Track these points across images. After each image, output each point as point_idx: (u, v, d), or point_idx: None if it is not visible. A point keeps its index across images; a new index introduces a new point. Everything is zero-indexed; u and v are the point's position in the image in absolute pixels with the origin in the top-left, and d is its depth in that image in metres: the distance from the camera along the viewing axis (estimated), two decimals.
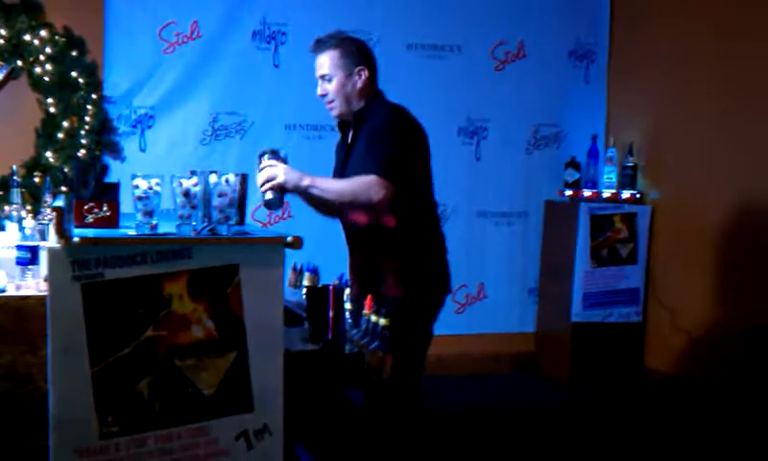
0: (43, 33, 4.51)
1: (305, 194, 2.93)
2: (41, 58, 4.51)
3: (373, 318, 2.85)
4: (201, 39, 4.91)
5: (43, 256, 3.12)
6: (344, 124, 3.18)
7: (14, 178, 3.83)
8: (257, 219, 4.52)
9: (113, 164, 4.69)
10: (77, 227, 2.50)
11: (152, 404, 2.40)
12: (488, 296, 5.66)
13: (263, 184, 2.84)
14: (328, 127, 5.02)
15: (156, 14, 4.83)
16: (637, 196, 5.39)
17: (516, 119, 5.60)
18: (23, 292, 3.12)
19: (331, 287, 2.88)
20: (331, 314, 2.84)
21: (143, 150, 4.87)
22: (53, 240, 2.45)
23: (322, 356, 2.80)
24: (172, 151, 4.89)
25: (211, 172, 2.61)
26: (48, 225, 3.32)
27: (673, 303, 5.15)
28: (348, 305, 2.99)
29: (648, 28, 5.43)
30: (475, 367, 5.54)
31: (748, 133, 4.64)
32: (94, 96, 4.61)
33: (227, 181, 2.55)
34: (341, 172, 3.15)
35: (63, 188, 4.17)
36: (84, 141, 4.57)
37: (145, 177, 2.51)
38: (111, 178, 2.86)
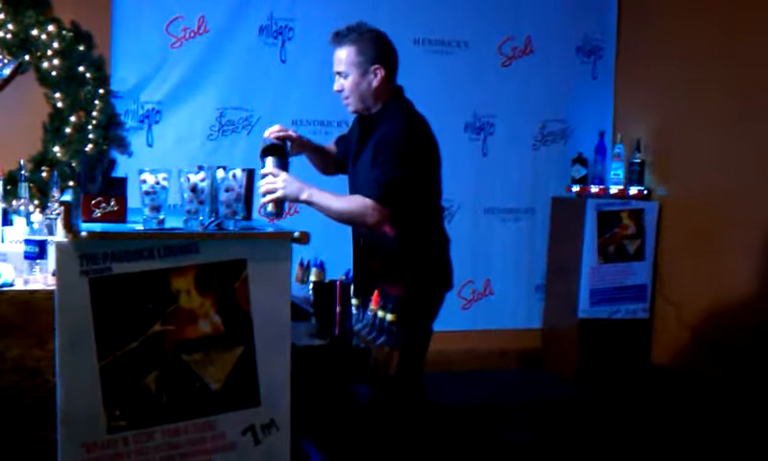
0: (51, 28, 4.52)
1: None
2: (49, 52, 4.52)
3: (380, 313, 2.85)
4: (208, 34, 4.91)
5: (51, 251, 3.13)
6: (362, 117, 3.13)
7: (22, 172, 3.83)
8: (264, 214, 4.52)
9: (121, 159, 4.69)
10: (84, 221, 2.51)
11: (159, 399, 2.40)
12: (494, 292, 5.66)
13: (264, 194, 2.86)
14: (335, 123, 5.03)
15: (163, 9, 4.83)
16: (645, 192, 5.37)
17: (524, 115, 5.58)
18: (31, 286, 3.13)
19: (338, 282, 2.88)
20: (338, 309, 2.84)
21: (150, 145, 4.87)
22: (61, 235, 2.46)
23: (328, 352, 2.80)
24: (179, 146, 4.90)
25: (218, 167, 2.62)
26: (56, 219, 3.33)
27: (680, 299, 5.14)
28: (354, 301, 3.00)
29: (656, 24, 5.41)
30: (482, 363, 5.53)
31: (755, 130, 4.62)
32: (101, 91, 4.62)
33: (234, 176, 2.55)
34: (351, 173, 3.15)
35: (71, 183, 4.18)
36: (91, 136, 4.57)
37: (152, 172, 2.51)
38: (119, 172, 2.86)
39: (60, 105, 4.56)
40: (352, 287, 3.00)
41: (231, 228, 2.52)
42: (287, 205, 3.08)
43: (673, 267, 5.23)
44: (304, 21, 5.06)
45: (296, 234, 2.50)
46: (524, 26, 5.54)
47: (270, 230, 2.62)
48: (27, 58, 4.54)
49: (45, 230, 3.35)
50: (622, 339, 5.30)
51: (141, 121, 4.85)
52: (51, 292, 2.68)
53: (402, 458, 3.10)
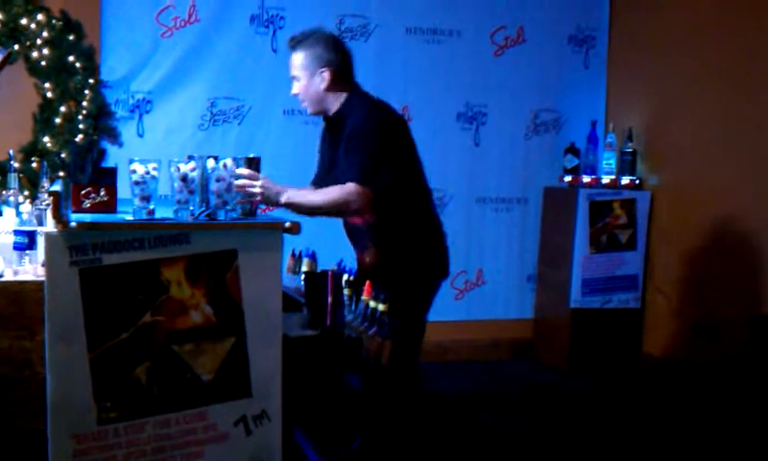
0: (40, 17, 4.48)
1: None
2: (38, 42, 4.49)
3: (372, 304, 2.85)
4: (199, 23, 4.88)
5: (41, 242, 3.11)
6: (328, 119, 3.20)
7: (12, 163, 3.82)
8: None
9: (111, 149, 4.67)
10: (74, 212, 2.49)
11: (150, 390, 2.40)
12: (486, 282, 5.66)
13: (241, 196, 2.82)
14: None
15: None
16: (637, 182, 5.37)
17: (516, 105, 5.58)
18: (20, 277, 3.11)
19: (330, 273, 2.87)
20: (330, 300, 2.83)
21: (141, 135, 4.85)
22: (50, 225, 2.45)
23: (320, 342, 2.80)
24: (170, 136, 4.87)
25: (209, 157, 2.60)
26: (45, 210, 3.31)
27: (672, 289, 5.15)
28: (346, 291, 2.99)
29: (648, 13, 5.41)
30: (474, 353, 5.54)
31: (748, 119, 4.62)
32: (91, 81, 4.59)
33: (224, 166, 2.54)
34: (329, 172, 3.16)
35: (61, 173, 4.16)
36: (81, 126, 4.55)
37: (142, 161, 2.49)
38: (109, 163, 2.85)
39: (49, 95, 4.53)
40: (345, 277, 3.01)
41: (222, 218, 2.50)
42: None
43: (665, 257, 5.24)
44: (295, 10, 5.03)
45: (287, 224, 2.50)
46: (516, 15, 5.53)
47: (261, 220, 2.60)
48: (16, 47, 4.51)
49: (35, 221, 3.33)
50: (614, 329, 5.31)
51: (131, 111, 4.83)
52: (40, 283, 2.67)
53: (394, 448, 3.10)
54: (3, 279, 3.08)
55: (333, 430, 3.19)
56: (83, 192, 2.52)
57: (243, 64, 4.99)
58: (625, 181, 5.37)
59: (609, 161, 5.44)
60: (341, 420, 3.19)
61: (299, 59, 3.08)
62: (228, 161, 2.56)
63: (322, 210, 2.94)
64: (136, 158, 2.51)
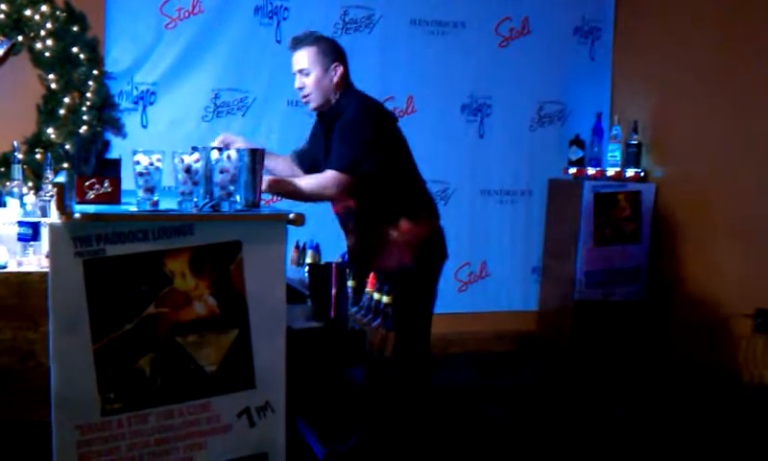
0: (44, 8, 4.47)
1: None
2: (42, 33, 4.48)
3: (376, 295, 2.85)
4: (202, 15, 4.87)
5: (45, 233, 3.11)
6: (321, 114, 3.26)
7: (16, 154, 3.82)
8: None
9: (115, 141, 4.67)
10: (78, 203, 2.49)
11: (154, 381, 2.40)
12: (490, 274, 5.66)
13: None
14: None
15: None
16: (641, 174, 5.36)
17: (521, 96, 5.57)
18: (24, 268, 3.12)
19: (334, 265, 2.88)
20: (334, 292, 2.83)
21: (144, 126, 4.84)
22: (54, 216, 2.44)
23: (324, 334, 2.80)
24: (173, 127, 4.87)
25: (213, 148, 2.60)
26: (49, 201, 3.32)
27: (676, 281, 5.14)
28: (350, 283, 2.99)
29: (654, 5, 5.38)
30: (478, 345, 5.53)
31: (754, 111, 4.60)
32: (95, 72, 4.58)
33: (228, 157, 2.53)
34: (324, 163, 3.18)
35: (65, 165, 4.15)
36: (85, 118, 4.54)
37: (146, 153, 2.49)
38: (113, 154, 2.84)
39: (53, 86, 4.53)
40: (348, 270, 3.01)
41: (226, 209, 2.50)
42: None
43: (669, 249, 5.23)
44: (299, 1, 5.02)
45: (291, 216, 2.49)
46: (522, 6, 5.51)
47: (265, 211, 2.60)
48: (20, 38, 4.51)
49: (39, 212, 3.34)
50: (617, 321, 5.30)
51: (135, 102, 4.82)
52: (44, 274, 2.67)
53: (396, 441, 3.10)
54: (7, 270, 3.09)
55: (333, 424, 3.19)
56: (87, 183, 2.51)
57: (247, 56, 4.98)
58: (630, 173, 5.35)
59: (614, 154, 5.43)
60: (342, 413, 3.19)
61: (309, 53, 3.14)
62: (233, 153, 2.55)
63: (303, 196, 2.97)
64: (140, 150, 2.51)
